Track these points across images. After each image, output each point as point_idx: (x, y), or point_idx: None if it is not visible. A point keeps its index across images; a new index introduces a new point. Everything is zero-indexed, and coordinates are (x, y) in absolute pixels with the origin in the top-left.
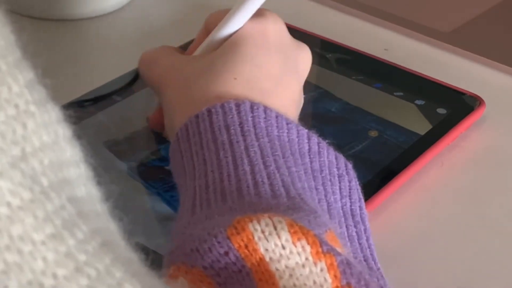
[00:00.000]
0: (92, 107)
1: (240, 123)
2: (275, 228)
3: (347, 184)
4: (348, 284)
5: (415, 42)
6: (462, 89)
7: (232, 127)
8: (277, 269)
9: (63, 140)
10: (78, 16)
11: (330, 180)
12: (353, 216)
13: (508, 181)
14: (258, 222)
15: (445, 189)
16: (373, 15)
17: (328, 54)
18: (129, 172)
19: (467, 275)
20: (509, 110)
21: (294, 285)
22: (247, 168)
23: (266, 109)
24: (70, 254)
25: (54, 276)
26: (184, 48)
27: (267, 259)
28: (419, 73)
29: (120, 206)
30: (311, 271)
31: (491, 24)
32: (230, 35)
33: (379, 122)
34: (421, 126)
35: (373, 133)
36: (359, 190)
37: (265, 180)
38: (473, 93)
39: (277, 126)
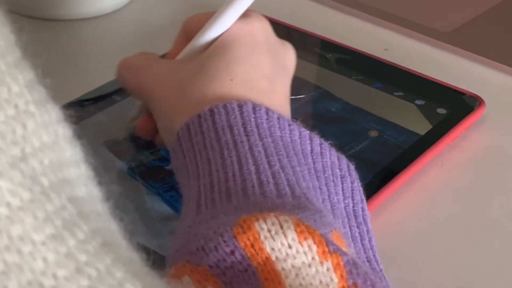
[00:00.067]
0: (92, 107)
1: (243, 124)
2: (281, 227)
3: (350, 185)
4: (355, 284)
5: (415, 42)
6: (462, 89)
7: (235, 127)
8: (283, 269)
9: (63, 140)
10: (78, 16)
11: (333, 181)
12: (355, 217)
13: (508, 181)
14: (264, 221)
15: (445, 189)
16: (373, 15)
17: (328, 54)
18: (129, 172)
19: (467, 275)
20: (509, 110)
21: (300, 284)
22: (252, 168)
23: (268, 110)
24: (71, 254)
25: (55, 276)
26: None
27: (273, 258)
28: (419, 73)
29: (120, 206)
30: (317, 271)
31: (491, 24)
32: (217, 38)
33: (379, 122)
34: (421, 126)
35: (373, 133)
36: (361, 191)
37: (270, 180)
38: (473, 93)
39: (279, 127)
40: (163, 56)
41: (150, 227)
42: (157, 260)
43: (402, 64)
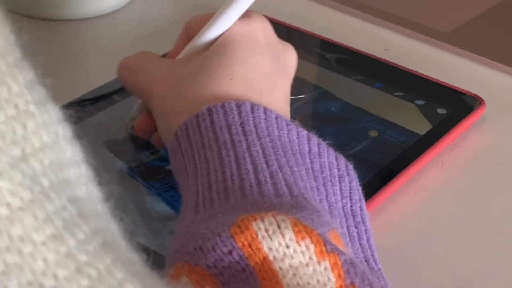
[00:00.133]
0: (92, 107)
1: (241, 123)
2: (279, 227)
3: (348, 184)
4: (352, 283)
5: (415, 42)
6: (462, 89)
7: (233, 127)
8: (280, 268)
9: (63, 140)
10: (78, 16)
11: (331, 180)
12: (353, 216)
13: (508, 181)
14: (262, 221)
15: (445, 189)
16: (373, 15)
17: (328, 54)
18: (129, 172)
19: (467, 275)
20: (509, 110)
21: (298, 284)
22: (250, 167)
23: (266, 110)
24: (71, 254)
25: (55, 276)
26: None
27: (271, 258)
28: (419, 73)
29: (120, 206)
30: (314, 270)
31: (491, 24)
32: (217, 38)
33: (379, 122)
34: (421, 126)
35: (373, 133)
36: (360, 191)
37: (268, 179)
38: (473, 93)
39: (277, 127)
40: (164, 56)
41: (150, 227)
42: (157, 260)
43: (402, 64)
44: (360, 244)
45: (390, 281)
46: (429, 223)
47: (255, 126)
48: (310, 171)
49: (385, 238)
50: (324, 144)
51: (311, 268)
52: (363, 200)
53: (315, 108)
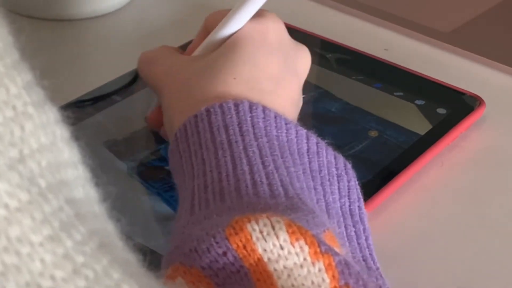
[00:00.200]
0: (92, 107)
1: (239, 123)
2: (273, 228)
3: (346, 184)
4: (346, 284)
5: (415, 42)
6: (462, 89)
7: (230, 127)
8: (275, 269)
9: (61, 141)
10: (78, 16)
11: (329, 180)
12: (352, 216)
13: (508, 181)
14: (256, 222)
15: (445, 189)
16: (373, 15)
17: (328, 54)
18: (129, 172)
19: (467, 275)
20: (509, 110)
21: (292, 285)
22: (246, 168)
23: (265, 109)
24: (68, 255)
25: (52, 277)
26: (184, 48)
27: (265, 259)
28: (419, 73)
29: (120, 207)
30: (309, 271)
31: (491, 24)
32: (230, 36)
33: (379, 122)
34: (421, 126)
35: (373, 133)
36: (359, 190)
37: (264, 180)
38: (473, 93)
39: (275, 126)
40: (184, 47)
41: (150, 227)
42: (155, 260)
43: (402, 64)
44: (358, 244)
45: (390, 281)
46: (429, 223)
47: (252, 126)
48: (308, 171)
49: (385, 238)
50: (323, 143)
51: (305, 269)
52: (362, 199)
53: (315, 108)
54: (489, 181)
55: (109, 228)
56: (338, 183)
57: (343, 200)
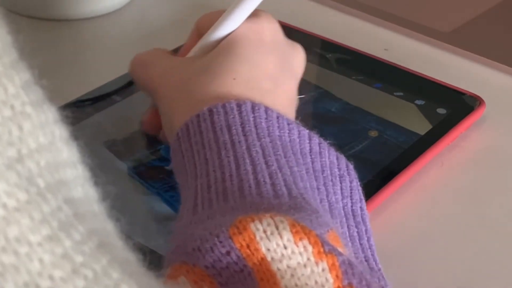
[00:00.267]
0: (92, 107)
1: (242, 123)
2: (277, 228)
3: (348, 184)
4: (350, 284)
5: (415, 42)
6: (462, 89)
7: (233, 127)
8: (278, 269)
9: (60, 140)
10: (78, 16)
11: (332, 180)
12: (354, 216)
13: (508, 181)
14: (260, 222)
15: (445, 189)
16: (373, 15)
17: (328, 54)
18: (129, 172)
19: (467, 275)
20: (509, 110)
21: (296, 285)
22: (249, 168)
23: (267, 109)
24: (67, 255)
25: (51, 277)
26: (176, 52)
27: (269, 259)
28: (419, 73)
29: (120, 206)
30: (312, 271)
31: (491, 24)
32: (225, 36)
33: (379, 122)
34: (421, 126)
35: (373, 133)
36: (360, 191)
37: (267, 180)
38: (473, 93)
39: (278, 127)
40: (176, 50)
41: (150, 227)
42: (155, 260)
43: (402, 64)
44: (361, 244)
45: (390, 281)
46: (429, 223)
47: (255, 126)
48: (311, 171)
49: (385, 238)
50: (325, 144)
51: (309, 269)
52: (364, 200)
53: (315, 108)
54: (489, 181)
55: (109, 228)
56: (341, 183)
57: (345, 201)
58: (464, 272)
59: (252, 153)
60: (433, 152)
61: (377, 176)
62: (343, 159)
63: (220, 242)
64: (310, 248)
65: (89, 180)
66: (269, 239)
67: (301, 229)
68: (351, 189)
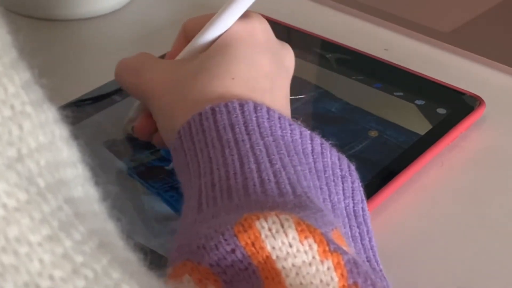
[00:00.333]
0: (92, 107)
1: (245, 123)
2: (282, 226)
3: (350, 185)
4: (355, 283)
5: (415, 42)
6: (462, 89)
7: (236, 126)
8: (283, 267)
9: (60, 140)
10: (77, 16)
11: (334, 180)
12: (356, 217)
13: (508, 181)
14: (265, 219)
15: (445, 189)
16: (373, 15)
17: (328, 54)
18: (129, 172)
19: (467, 275)
20: (509, 110)
21: (301, 283)
22: (253, 166)
23: (269, 110)
24: (67, 255)
25: (51, 277)
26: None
27: (274, 257)
28: (419, 73)
29: (120, 206)
30: (317, 270)
31: (491, 24)
32: (216, 38)
33: (379, 122)
34: (421, 126)
35: (373, 133)
36: (362, 192)
37: (271, 178)
38: (473, 93)
39: (280, 127)
40: (162, 57)
41: (150, 227)
42: (155, 260)
43: (402, 64)
44: (362, 245)
45: (390, 281)
46: (429, 223)
47: (258, 126)
48: (313, 171)
49: (385, 238)
50: (327, 144)
51: (314, 268)
52: (365, 201)
53: (315, 108)
54: (489, 181)
55: (109, 228)
56: (343, 184)
57: (347, 201)
58: (464, 272)
59: (256, 151)
60: (433, 152)
61: (377, 176)
62: (345, 160)
63: (225, 240)
64: (315, 246)
65: (89, 179)
66: (274, 237)
67: (306, 228)
68: (353, 190)
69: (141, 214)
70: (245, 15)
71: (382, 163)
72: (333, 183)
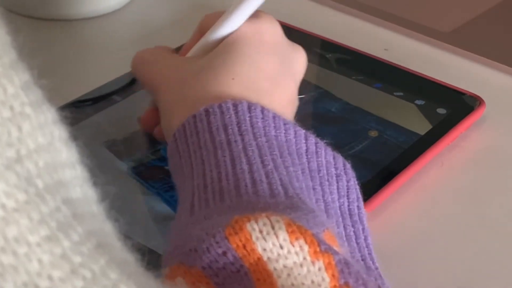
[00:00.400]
0: (92, 107)
1: (238, 123)
2: (273, 228)
3: (345, 183)
4: (346, 283)
5: (415, 42)
6: (462, 89)
7: (229, 127)
8: (275, 269)
9: (59, 141)
10: (78, 16)
11: (328, 180)
12: (351, 215)
13: (508, 181)
14: (256, 221)
15: (445, 189)
16: (373, 15)
17: (328, 54)
18: (129, 172)
19: (467, 275)
20: (509, 110)
21: (292, 284)
22: (245, 167)
23: (263, 109)
24: (65, 255)
25: (50, 278)
26: (179, 50)
27: (265, 258)
28: (419, 73)
29: (120, 206)
30: (309, 271)
31: (491, 24)
32: (226, 36)
33: (379, 122)
34: (421, 126)
35: (373, 133)
36: (358, 190)
37: (263, 179)
38: (473, 93)
39: (274, 126)
40: (178, 49)
41: (150, 227)
42: (154, 260)
43: (402, 64)
44: (357, 243)
45: (390, 281)
46: (429, 223)
47: (251, 126)
48: (307, 171)
49: (385, 238)
50: (321, 143)
51: (305, 269)
52: (361, 199)
53: (315, 108)
54: (489, 181)
55: (107, 228)
56: (337, 183)
57: (342, 200)
58: (464, 272)
59: (248, 152)
60: (433, 152)
61: (377, 176)
62: (340, 158)
63: (217, 242)
64: (306, 247)
65: (88, 180)
66: (265, 239)
67: (297, 229)
68: (348, 188)
69: (141, 214)
70: (256, 16)
71: (382, 163)
72: (327, 183)
